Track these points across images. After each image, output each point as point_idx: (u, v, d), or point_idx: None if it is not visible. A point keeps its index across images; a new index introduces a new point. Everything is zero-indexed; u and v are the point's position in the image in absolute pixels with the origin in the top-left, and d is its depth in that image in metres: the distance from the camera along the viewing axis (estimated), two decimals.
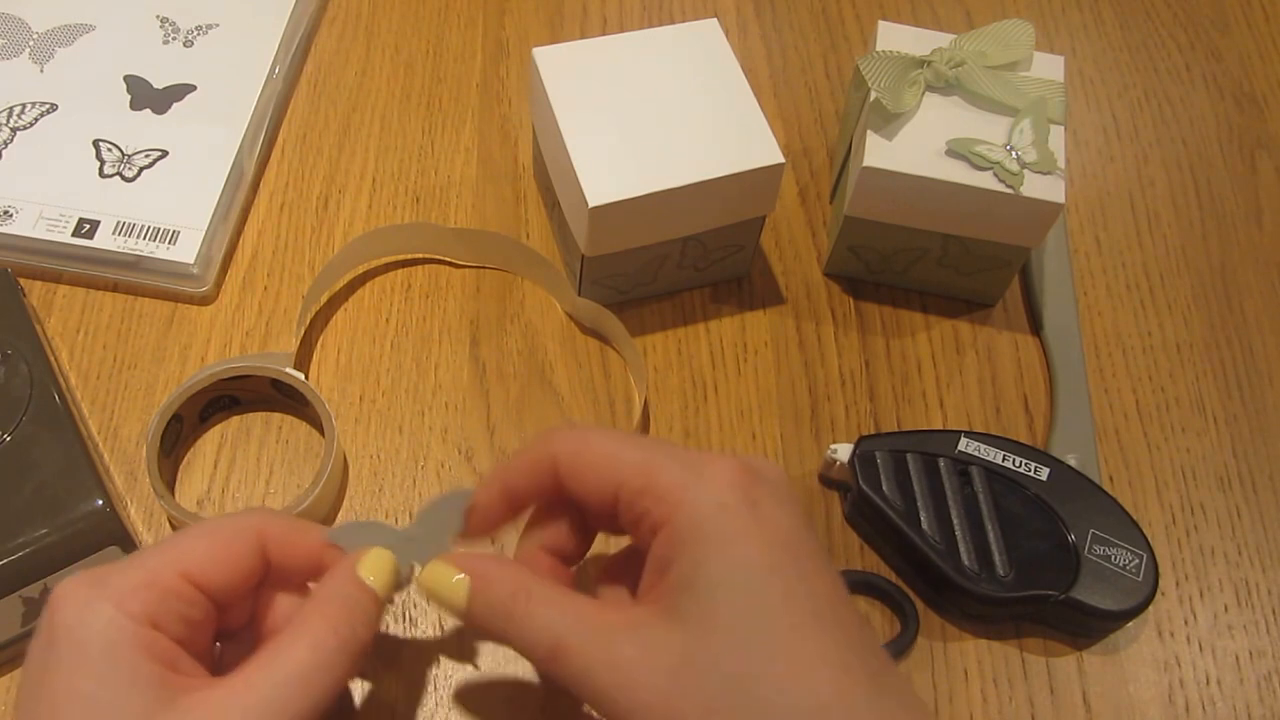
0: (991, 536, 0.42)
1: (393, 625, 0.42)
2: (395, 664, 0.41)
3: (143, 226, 0.50)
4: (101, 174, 0.52)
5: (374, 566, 0.34)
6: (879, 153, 0.46)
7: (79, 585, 0.30)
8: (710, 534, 0.30)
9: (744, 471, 0.31)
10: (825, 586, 0.31)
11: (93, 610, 0.29)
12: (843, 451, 0.44)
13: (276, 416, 0.47)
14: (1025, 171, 0.45)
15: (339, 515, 0.44)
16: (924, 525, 0.42)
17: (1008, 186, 0.45)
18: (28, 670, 0.30)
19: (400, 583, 0.35)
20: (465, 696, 0.40)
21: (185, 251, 0.49)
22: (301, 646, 0.31)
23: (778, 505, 0.31)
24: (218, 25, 0.58)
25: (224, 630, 0.34)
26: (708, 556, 0.30)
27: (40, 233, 0.49)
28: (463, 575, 0.33)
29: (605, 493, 0.32)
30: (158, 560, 0.31)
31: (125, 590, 0.30)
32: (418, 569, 0.35)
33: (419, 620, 0.42)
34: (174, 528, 0.43)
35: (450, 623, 0.42)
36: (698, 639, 0.29)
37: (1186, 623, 0.44)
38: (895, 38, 0.49)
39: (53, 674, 0.29)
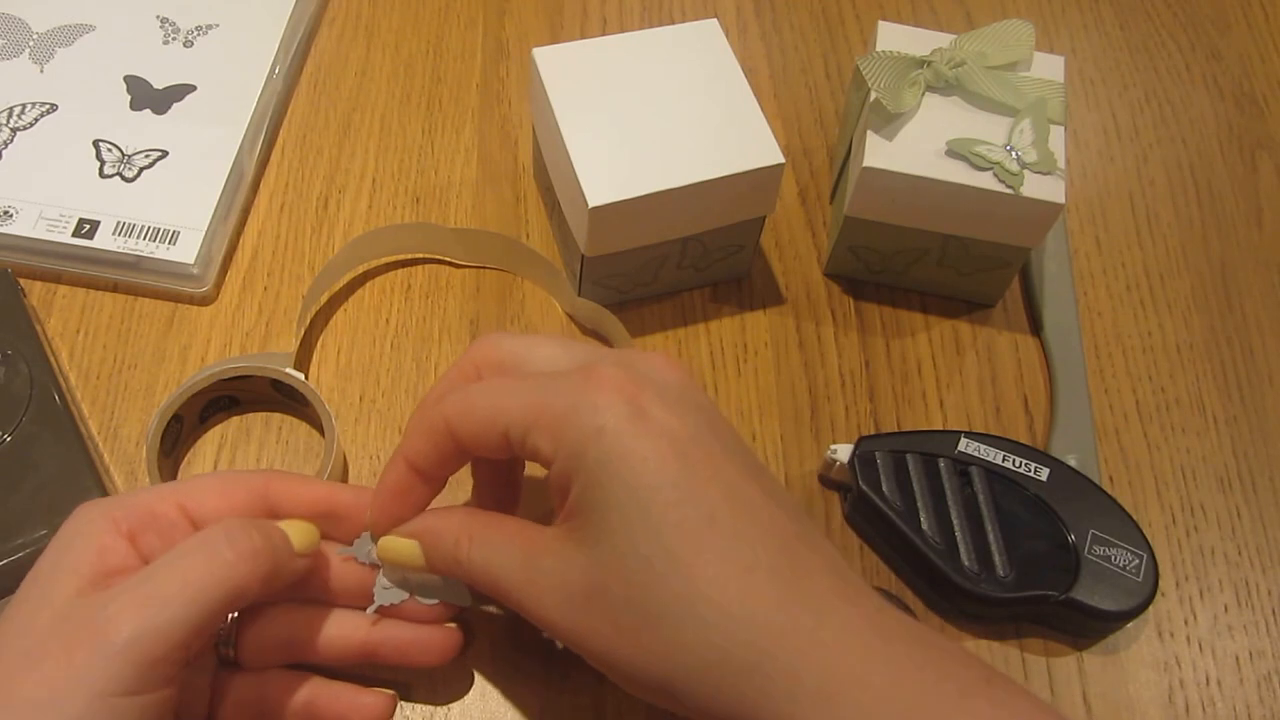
0: (991, 537, 0.42)
1: None
2: None
3: (143, 227, 0.50)
4: (101, 174, 0.52)
5: (297, 528, 0.35)
6: (879, 153, 0.46)
7: (93, 501, 0.34)
8: (593, 459, 0.30)
9: (629, 382, 0.31)
10: (723, 486, 0.31)
11: (82, 513, 0.33)
12: (843, 452, 0.44)
13: (276, 417, 0.47)
14: (1025, 172, 0.45)
15: None
16: (924, 526, 0.42)
17: (1008, 187, 0.45)
18: None
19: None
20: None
21: (185, 252, 0.49)
22: (193, 541, 0.32)
23: (667, 409, 0.31)
24: (218, 25, 0.58)
25: None
26: (595, 482, 0.30)
27: (40, 233, 0.49)
28: (412, 541, 0.35)
29: (498, 443, 0.33)
30: (163, 490, 0.35)
31: (118, 503, 0.33)
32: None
33: None
34: None
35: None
36: (597, 564, 0.30)
37: (1186, 623, 0.44)
38: (895, 38, 0.49)
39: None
